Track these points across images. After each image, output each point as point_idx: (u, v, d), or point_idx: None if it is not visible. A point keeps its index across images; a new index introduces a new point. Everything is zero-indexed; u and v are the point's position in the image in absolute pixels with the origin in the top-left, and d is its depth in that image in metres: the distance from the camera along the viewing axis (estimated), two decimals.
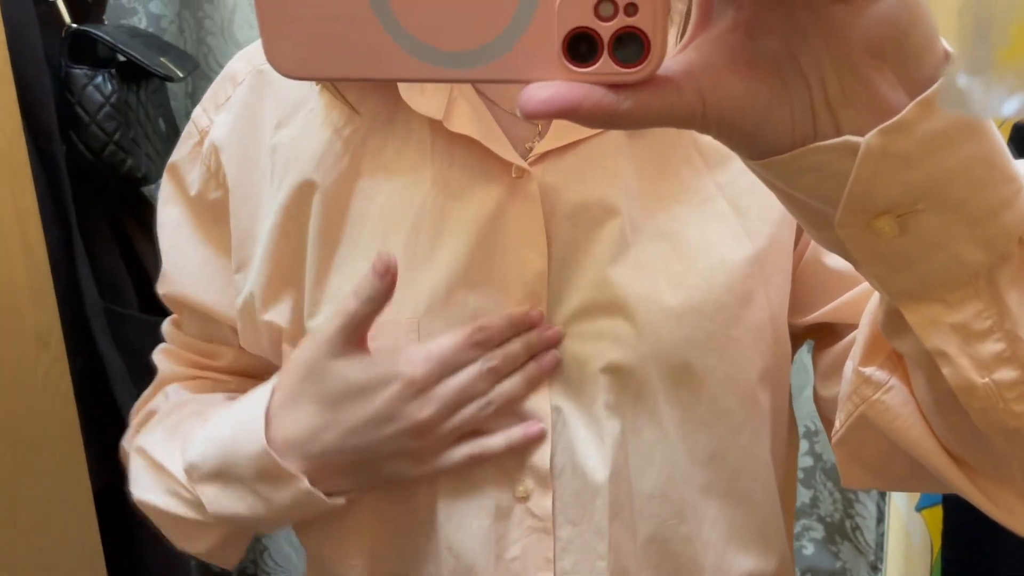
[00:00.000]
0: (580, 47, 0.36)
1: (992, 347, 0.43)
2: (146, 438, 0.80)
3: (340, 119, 0.70)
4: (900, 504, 1.63)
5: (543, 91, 0.36)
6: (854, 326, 0.59)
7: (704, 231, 0.67)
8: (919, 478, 0.60)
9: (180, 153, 0.79)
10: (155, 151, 1.35)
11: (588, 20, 0.36)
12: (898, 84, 0.38)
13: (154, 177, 1.35)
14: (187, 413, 0.80)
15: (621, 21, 0.36)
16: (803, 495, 1.74)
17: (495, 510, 0.70)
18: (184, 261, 0.79)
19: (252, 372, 0.83)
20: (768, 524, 0.74)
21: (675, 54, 0.38)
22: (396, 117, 0.69)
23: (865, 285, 0.63)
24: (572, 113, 0.36)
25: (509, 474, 0.69)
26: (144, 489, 0.79)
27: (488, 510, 0.70)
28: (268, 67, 0.41)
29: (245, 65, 0.75)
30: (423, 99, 0.66)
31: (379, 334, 0.68)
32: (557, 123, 0.67)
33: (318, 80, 0.64)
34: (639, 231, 0.67)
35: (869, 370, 0.55)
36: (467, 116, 0.66)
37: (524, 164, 0.66)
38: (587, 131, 0.66)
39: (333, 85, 0.68)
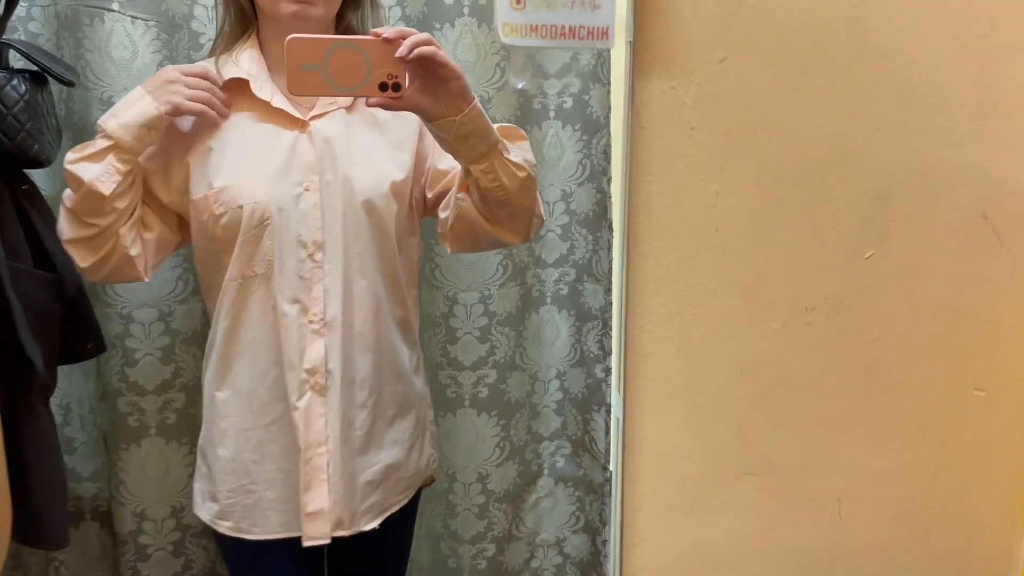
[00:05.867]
0: (382, 87, 1.35)
1: (490, 175, 1.51)
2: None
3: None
4: (621, 419, 2.22)
5: (373, 100, 1.37)
6: (448, 189, 1.67)
7: (381, 150, 1.66)
8: (479, 243, 1.68)
9: None
10: (52, 140, 1.70)
11: (385, 79, 1.35)
12: (463, 102, 1.42)
13: (53, 160, 1.70)
14: None
15: (393, 80, 1.35)
16: (555, 422, 2.30)
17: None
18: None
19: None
20: (396, 282, 1.69)
21: (405, 90, 1.37)
22: (255, 105, 1.62)
23: (452, 174, 1.67)
24: (382, 107, 1.39)
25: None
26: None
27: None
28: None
29: None
30: (263, 93, 1.60)
31: (246, 188, 1.56)
32: (319, 103, 1.63)
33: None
34: (351, 147, 1.62)
35: (459, 195, 1.61)
36: (281, 101, 1.61)
37: (306, 119, 1.61)
38: (331, 109, 1.62)
39: (242, 90, 1.61)
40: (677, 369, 0.69)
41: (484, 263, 2.15)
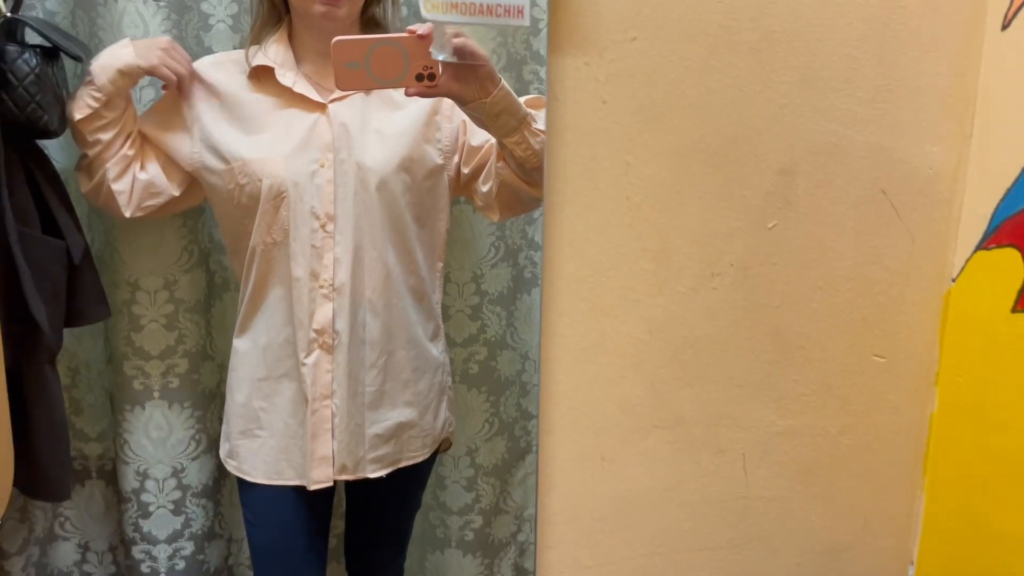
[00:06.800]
0: (419, 77, 1.44)
1: (522, 145, 1.62)
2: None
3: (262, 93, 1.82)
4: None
5: (411, 90, 1.45)
6: (486, 162, 1.81)
7: (394, 130, 1.77)
8: (524, 204, 1.83)
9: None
10: (61, 112, 1.79)
11: (420, 71, 1.44)
12: (492, 85, 1.52)
13: (61, 131, 1.80)
14: None
15: (428, 71, 1.44)
16: None
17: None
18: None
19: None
20: (409, 254, 1.82)
21: (439, 79, 1.47)
22: (280, 90, 1.78)
23: (487, 148, 1.81)
24: (417, 95, 1.48)
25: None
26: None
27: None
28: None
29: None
30: (286, 80, 1.77)
31: (267, 163, 1.73)
32: (337, 91, 1.76)
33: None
34: (366, 128, 1.76)
35: (499, 164, 1.76)
36: (302, 87, 1.77)
37: (326, 103, 1.76)
38: (349, 93, 1.75)
39: (269, 76, 1.78)
40: (590, 328, 0.75)
41: (477, 243, 2.22)
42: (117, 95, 1.77)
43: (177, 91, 1.82)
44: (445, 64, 1.49)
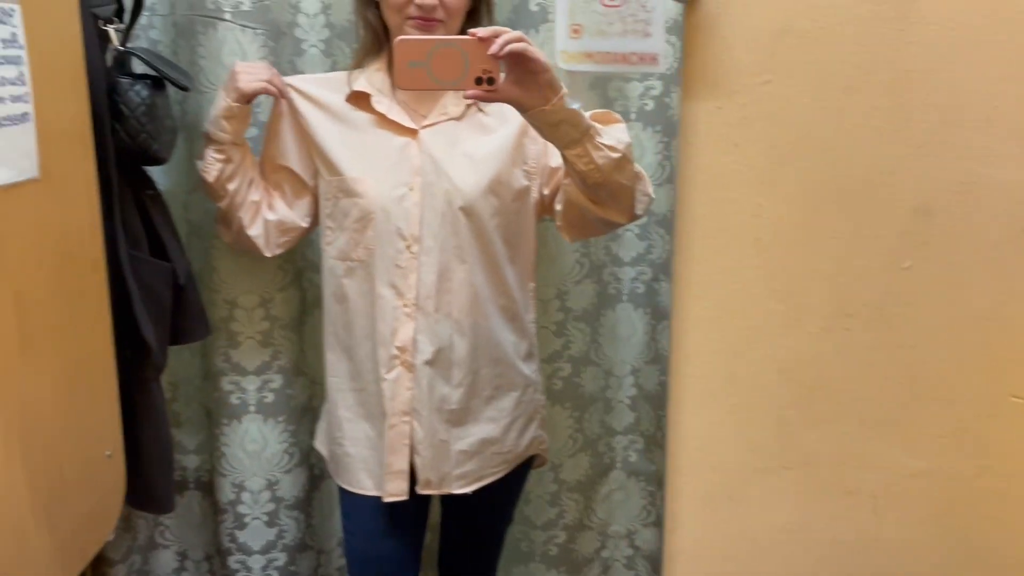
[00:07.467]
0: (478, 81, 1.47)
1: (584, 158, 1.62)
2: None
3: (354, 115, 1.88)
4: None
5: (470, 93, 1.49)
6: (560, 185, 1.82)
7: (483, 154, 1.81)
8: (591, 226, 1.83)
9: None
10: (169, 139, 1.87)
11: (480, 75, 1.47)
12: (552, 92, 1.53)
13: (169, 158, 1.87)
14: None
15: (488, 75, 1.47)
16: (629, 416, 2.36)
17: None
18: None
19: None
20: (498, 273, 1.86)
21: (499, 84, 1.49)
22: (375, 114, 1.83)
23: (563, 168, 1.75)
24: (478, 99, 1.52)
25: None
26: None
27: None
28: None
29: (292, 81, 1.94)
30: (381, 107, 1.83)
31: (359, 183, 1.81)
32: (431, 114, 1.83)
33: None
34: (455, 153, 1.80)
35: (566, 181, 1.76)
36: (396, 113, 1.83)
37: (418, 128, 1.82)
38: (441, 119, 1.83)
39: (366, 101, 1.84)
40: (718, 368, 0.76)
41: (562, 259, 2.23)
42: (233, 144, 1.87)
43: (280, 98, 1.89)
44: (507, 69, 1.51)
